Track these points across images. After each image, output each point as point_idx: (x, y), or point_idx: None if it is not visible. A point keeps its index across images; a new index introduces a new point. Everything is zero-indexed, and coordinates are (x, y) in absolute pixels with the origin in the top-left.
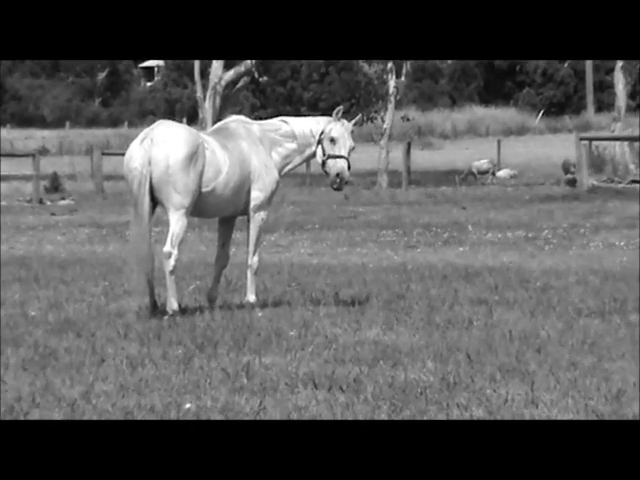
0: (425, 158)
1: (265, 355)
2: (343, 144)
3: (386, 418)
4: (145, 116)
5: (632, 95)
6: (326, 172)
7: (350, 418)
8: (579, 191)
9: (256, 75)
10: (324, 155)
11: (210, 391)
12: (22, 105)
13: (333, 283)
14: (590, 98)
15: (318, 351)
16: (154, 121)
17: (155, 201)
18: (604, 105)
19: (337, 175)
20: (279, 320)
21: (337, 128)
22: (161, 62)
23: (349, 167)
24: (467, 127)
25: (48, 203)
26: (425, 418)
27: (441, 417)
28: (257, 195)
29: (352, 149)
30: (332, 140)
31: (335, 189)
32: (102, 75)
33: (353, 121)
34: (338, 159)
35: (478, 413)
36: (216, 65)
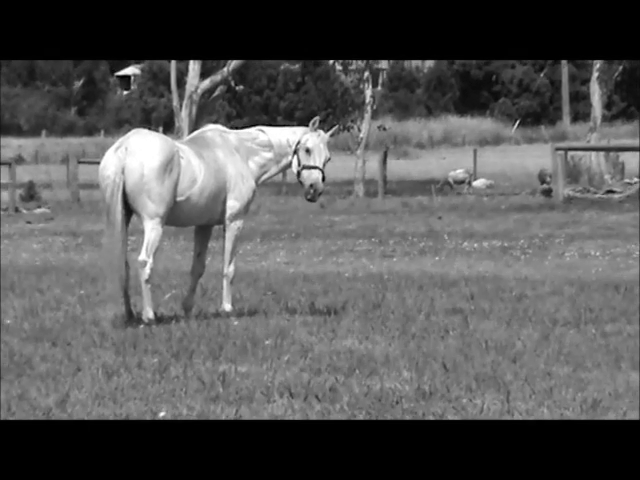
0: (401, 167)
1: (241, 364)
2: (318, 155)
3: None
4: (121, 125)
5: (608, 106)
6: (301, 182)
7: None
8: (555, 201)
9: (232, 84)
10: (299, 165)
11: (186, 400)
12: None
13: (309, 292)
14: (566, 108)
15: (294, 360)
16: (130, 130)
17: (130, 210)
18: (580, 115)
19: (311, 186)
20: (255, 329)
21: (313, 139)
22: (137, 71)
23: (323, 178)
24: (443, 137)
25: (24, 211)
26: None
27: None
28: (233, 204)
29: (327, 160)
30: (307, 151)
31: (309, 200)
32: (78, 84)
33: (330, 132)
34: (312, 170)
35: None
36: (192, 74)
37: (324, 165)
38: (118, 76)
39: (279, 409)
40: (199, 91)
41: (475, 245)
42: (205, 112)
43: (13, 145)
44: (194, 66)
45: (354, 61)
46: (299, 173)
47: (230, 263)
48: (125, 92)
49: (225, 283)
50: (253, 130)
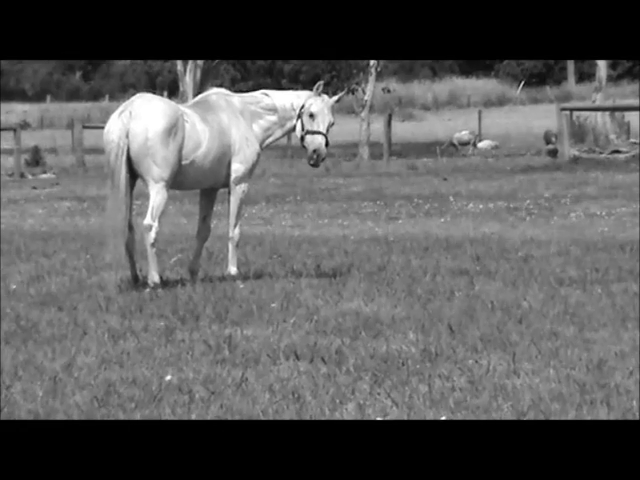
0: (406, 129)
1: (247, 327)
2: (322, 120)
3: (368, 389)
4: (126, 89)
5: (613, 65)
6: (304, 147)
7: (332, 389)
8: (560, 161)
9: None
10: (303, 130)
11: (192, 363)
12: (3, 79)
13: (314, 255)
14: (571, 68)
15: (300, 323)
16: (135, 94)
17: (135, 174)
18: (585, 75)
19: (314, 151)
20: (261, 292)
21: (317, 103)
22: None
23: (327, 144)
24: (448, 98)
25: (29, 177)
26: (407, 389)
27: (423, 388)
28: (238, 167)
29: (331, 125)
30: (311, 115)
31: (312, 165)
32: None
33: (335, 97)
34: (316, 135)
35: (460, 383)
36: None
37: (328, 130)
38: None
39: (285, 371)
40: None
41: (480, 206)
42: (209, 76)
43: (18, 110)
44: None
45: None
46: (302, 138)
47: (235, 226)
48: None
49: (230, 246)
50: (257, 94)
